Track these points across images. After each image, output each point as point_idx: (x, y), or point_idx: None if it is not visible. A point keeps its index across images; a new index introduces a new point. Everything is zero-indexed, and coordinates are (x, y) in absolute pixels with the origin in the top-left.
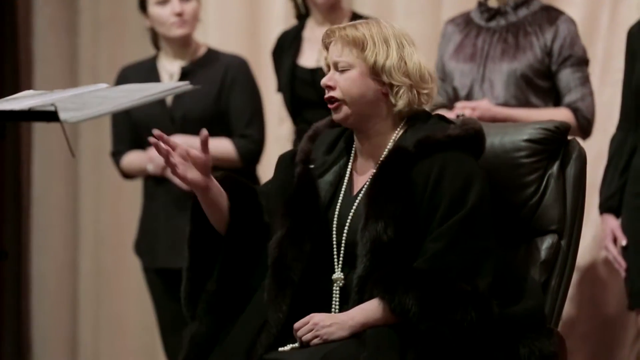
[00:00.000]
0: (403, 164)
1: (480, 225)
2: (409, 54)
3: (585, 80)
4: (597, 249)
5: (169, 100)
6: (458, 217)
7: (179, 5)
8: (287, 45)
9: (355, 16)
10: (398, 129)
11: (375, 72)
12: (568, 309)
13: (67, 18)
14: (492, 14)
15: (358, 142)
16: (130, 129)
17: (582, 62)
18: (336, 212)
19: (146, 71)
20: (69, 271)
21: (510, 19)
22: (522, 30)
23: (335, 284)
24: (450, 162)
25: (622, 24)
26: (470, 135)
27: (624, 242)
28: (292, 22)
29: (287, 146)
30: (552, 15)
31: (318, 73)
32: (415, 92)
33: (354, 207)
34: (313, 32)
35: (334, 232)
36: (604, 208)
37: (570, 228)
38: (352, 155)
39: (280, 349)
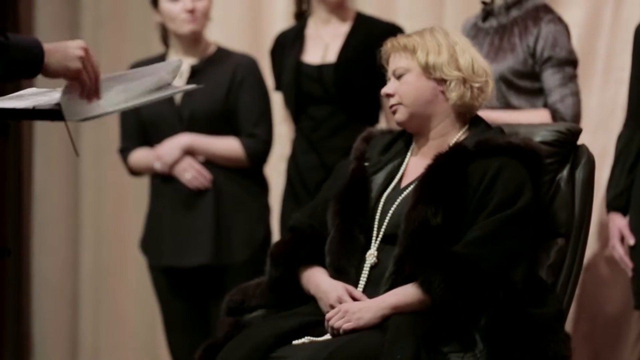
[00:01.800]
0: (461, 159)
1: (523, 229)
2: (461, 50)
3: (567, 81)
4: (599, 248)
5: (177, 98)
6: (505, 214)
7: (191, 2)
8: (289, 44)
9: (359, 16)
10: (459, 134)
11: (428, 70)
12: (571, 307)
13: (69, 16)
14: (485, 14)
15: (416, 144)
16: (139, 125)
17: (565, 63)
18: (382, 200)
19: None
20: (69, 269)
21: (501, 20)
22: (508, 32)
23: (366, 262)
24: (508, 167)
25: (625, 22)
26: (530, 149)
27: (631, 241)
28: (294, 20)
29: (287, 145)
30: (539, 15)
31: (323, 69)
32: (468, 85)
33: (402, 195)
34: (317, 30)
35: (377, 217)
36: (612, 207)
37: (577, 232)
38: (408, 155)
39: (295, 341)
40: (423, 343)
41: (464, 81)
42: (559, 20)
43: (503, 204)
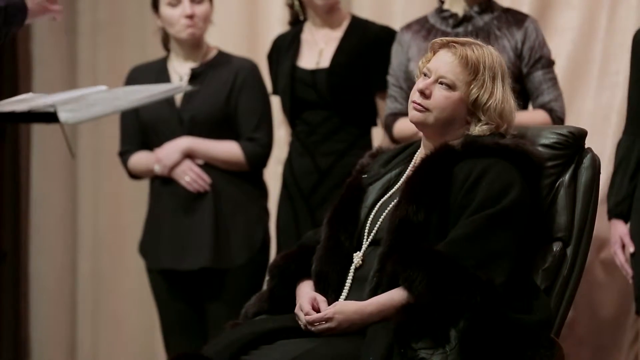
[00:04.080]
0: (447, 158)
1: (507, 228)
2: (508, 98)
3: (556, 82)
4: (595, 252)
5: (178, 101)
6: (487, 212)
7: (190, 7)
8: (285, 48)
9: (354, 19)
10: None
11: (475, 106)
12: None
13: (66, 20)
14: (460, 20)
15: (423, 151)
16: (139, 129)
17: (552, 63)
18: (377, 205)
19: (156, 72)
20: (67, 273)
21: (476, 24)
22: (492, 35)
23: (352, 264)
24: (495, 167)
25: (620, 26)
26: (520, 150)
27: (631, 249)
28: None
29: (285, 149)
30: (518, 17)
31: (317, 74)
32: (496, 130)
33: (395, 200)
34: (312, 35)
35: (369, 222)
36: (613, 213)
37: (577, 237)
38: (411, 165)
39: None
40: (395, 338)
41: (498, 127)
42: (537, 22)
43: (486, 203)
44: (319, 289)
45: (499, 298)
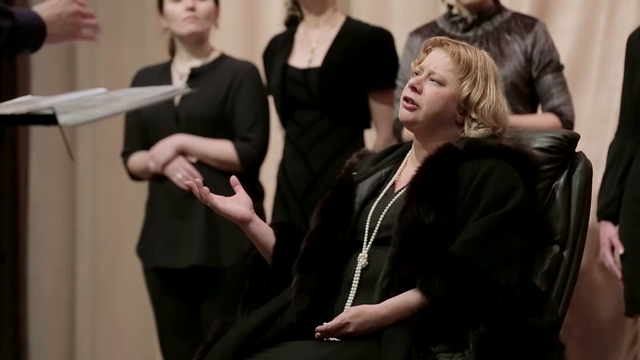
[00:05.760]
0: (451, 159)
1: (515, 228)
2: (501, 100)
3: (566, 85)
4: (593, 255)
5: (177, 100)
6: (497, 213)
7: (192, 1)
8: (279, 47)
9: (348, 20)
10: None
11: (467, 105)
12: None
13: None
14: (469, 24)
15: (414, 150)
16: (140, 129)
17: (561, 67)
18: (375, 204)
19: (159, 73)
20: (66, 274)
21: (486, 28)
22: (502, 39)
23: (357, 265)
24: (498, 168)
25: (619, 29)
26: (521, 153)
27: (620, 250)
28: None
29: None
30: (528, 22)
31: (309, 73)
32: (493, 132)
33: (394, 199)
34: (305, 34)
35: (368, 220)
36: (602, 215)
37: (573, 240)
38: (403, 163)
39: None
40: (414, 341)
41: (494, 129)
42: (545, 26)
43: (493, 204)
44: (302, 264)
45: (518, 302)
